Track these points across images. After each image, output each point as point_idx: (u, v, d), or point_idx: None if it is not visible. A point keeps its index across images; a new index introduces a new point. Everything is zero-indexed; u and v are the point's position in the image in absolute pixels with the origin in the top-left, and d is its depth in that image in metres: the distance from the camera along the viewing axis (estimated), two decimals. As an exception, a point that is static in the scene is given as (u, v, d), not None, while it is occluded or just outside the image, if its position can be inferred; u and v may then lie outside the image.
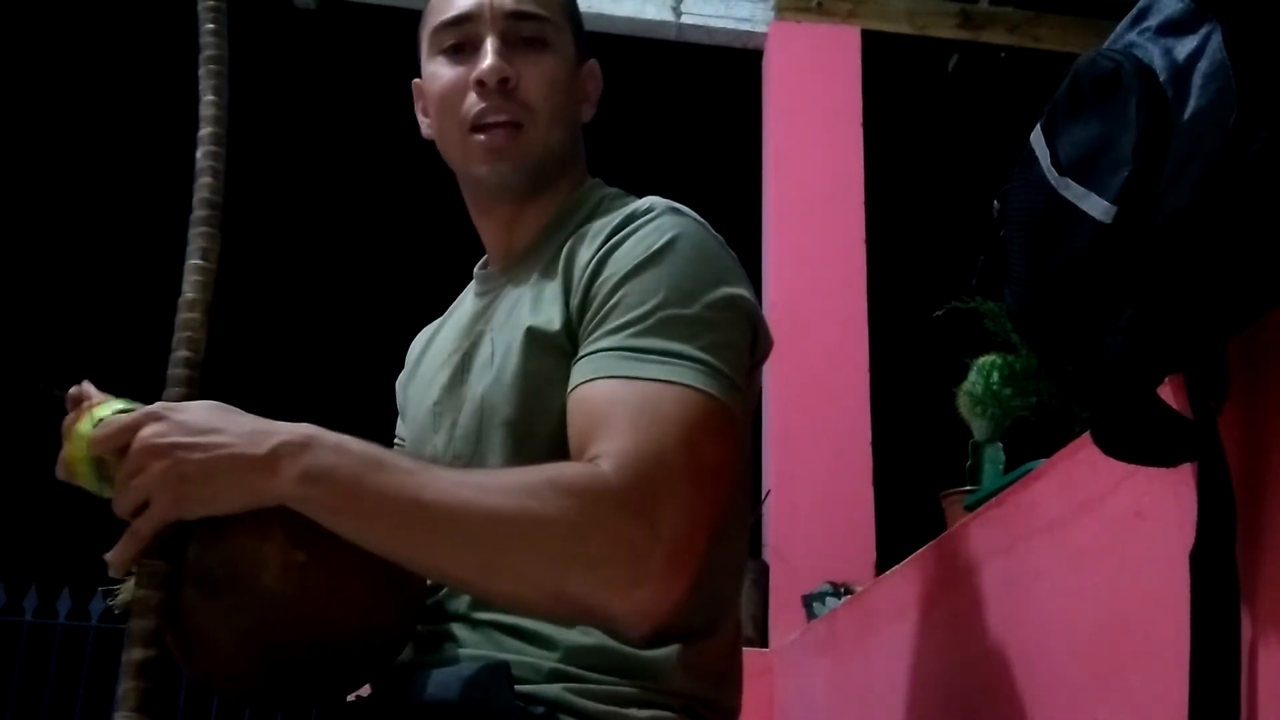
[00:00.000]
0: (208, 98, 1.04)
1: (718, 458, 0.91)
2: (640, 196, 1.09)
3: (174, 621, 0.86)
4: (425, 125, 1.17)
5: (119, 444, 0.87)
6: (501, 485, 0.86)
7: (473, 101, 1.08)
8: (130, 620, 0.84)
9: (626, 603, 0.84)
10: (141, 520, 0.85)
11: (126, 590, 0.89)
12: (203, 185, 1.00)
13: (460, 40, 1.10)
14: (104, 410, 0.96)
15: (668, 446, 0.87)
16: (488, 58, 1.07)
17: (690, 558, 0.86)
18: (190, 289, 0.96)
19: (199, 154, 1.02)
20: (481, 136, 1.08)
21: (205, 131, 1.03)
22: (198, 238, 0.98)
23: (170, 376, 0.93)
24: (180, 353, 0.94)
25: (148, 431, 0.86)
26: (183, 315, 0.95)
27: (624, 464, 0.85)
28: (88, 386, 1.01)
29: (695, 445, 0.88)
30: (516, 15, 1.09)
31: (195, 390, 0.93)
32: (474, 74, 1.07)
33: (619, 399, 0.90)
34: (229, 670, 0.89)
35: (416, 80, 1.18)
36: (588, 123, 1.20)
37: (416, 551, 0.86)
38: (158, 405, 0.90)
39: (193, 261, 0.97)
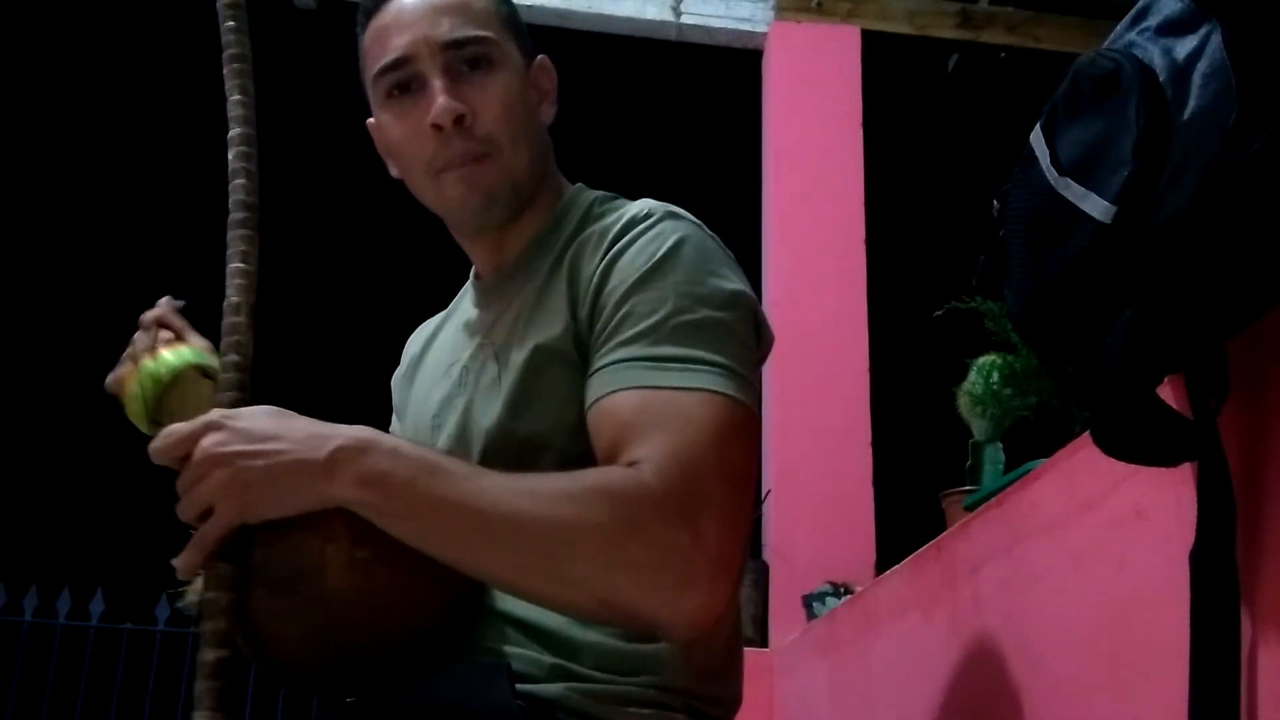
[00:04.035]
0: (234, 97, 1.03)
1: (745, 459, 0.92)
2: (639, 197, 1.09)
3: (243, 621, 0.88)
4: (391, 167, 1.16)
5: (181, 453, 0.89)
6: (551, 491, 0.87)
7: (434, 147, 1.06)
8: (202, 622, 0.86)
9: (673, 608, 0.85)
10: (207, 526, 0.87)
11: (193, 592, 0.91)
12: (238, 187, 1.00)
13: (405, 82, 1.07)
14: (174, 358, 0.99)
15: (701, 452, 0.88)
16: (438, 98, 1.04)
17: (733, 561, 0.88)
18: (234, 292, 0.97)
19: (231, 155, 1.01)
20: (450, 174, 1.07)
21: (235, 132, 1.02)
22: (237, 240, 0.98)
23: (221, 381, 0.95)
24: (229, 357, 0.95)
25: (209, 441, 0.88)
26: (228, 319, 0.96)
27: (664, 470, 0.86)
28: (167, 310, 1.05)
29: (726, 449, 0.89)
30: (455, 44, 1.06)
31: (247, 393, 0.94)
32: (428, 118, 1.05)
33: (645, 408, 0.90)
34: (298, 665, 0.92)
35: (370, 121, 1.15)
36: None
37: (469, 555, 0.88)
38: (216, 413, 0.91)
39: (234, 265, 0.98)
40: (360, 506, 0.87)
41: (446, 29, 1.07)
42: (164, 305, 1.06)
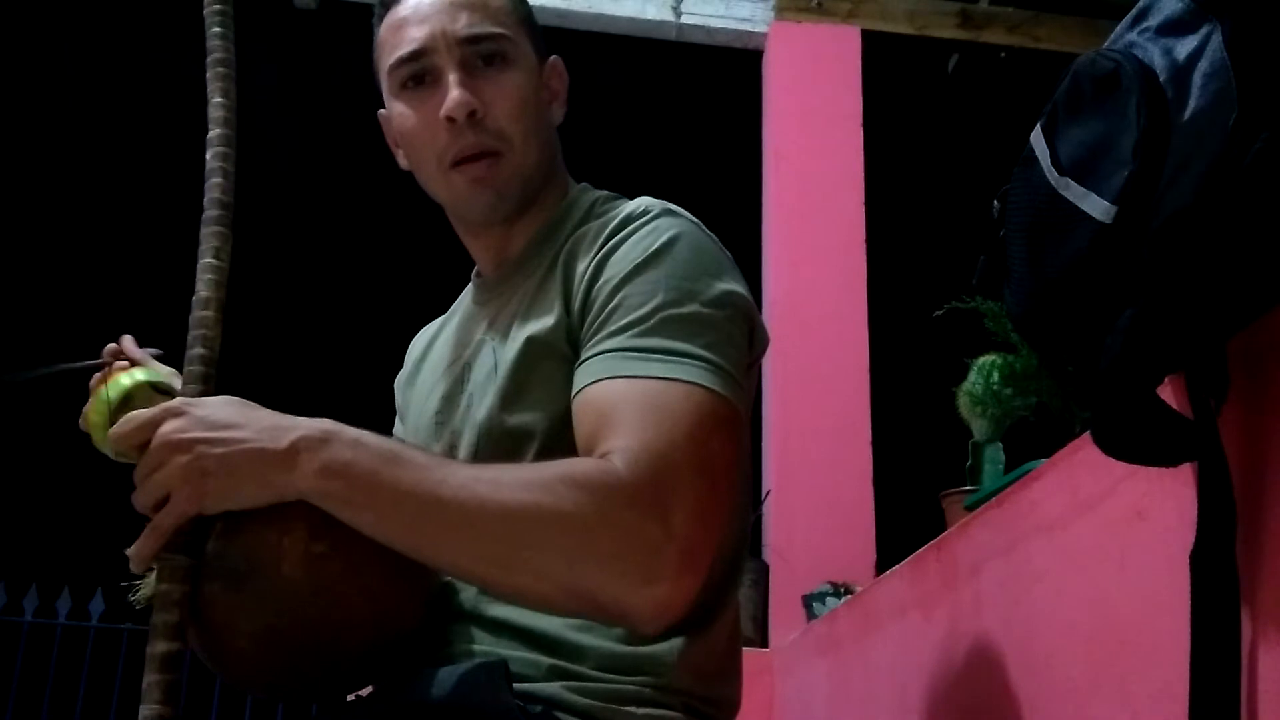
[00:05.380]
0: (216, 100, 1.06)
1: (725, 453, 0.92)
2: (635, 197, 1.09)
3: (196, 615, 0.87)
4: (400, 158, 1.17)
5: (140, 440, 0.88)
6: (516, 480, 0.86)
7: (445, 139, 1.07)
8: (153, 614, 0.85)
9: (640, 599, 0.84)
10: (163, 515, 0.86)
11: (147, 585, 0.90)
12: (214, 186, 1.02)
13: (420, 75, 1.08)
14: (128, 379, 0.99)
15: (677, 443, 0.87)
16: (452, 91, 1.05)
17: (703, 555, 0.87)
18: (204, 288, 0.98)
19: (209, 155, 1.04)
20: (461, 170, 1.08)
21: (214, 133, 1.04)
22: (210, 237, 1.00)
23: (186, 374, 0.95)
24: (196, 350, 0.95)
25: (168, 427, 0.87)
26: (197, 313, 0.97)
27: (635, 460, 0.86)
28: (127, 343, 1.04)
29: (703, 442, 0.89)
30: (472, 39, 1.07)
31: (211, 387, 0.94)
32: (441, 110, 1.05)
33: (625, 398, 0.90)
34: (251, 662, 0.89)
35: (382, 112, 1.16)
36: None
37: (433, 546, 0.87)
38: (178, 401, 0.91)
39: (206, 260, 0.99)
40: (321, 497, 0.86)
41: (464, 24, 1.08)
42: (124, 340, 1.06)
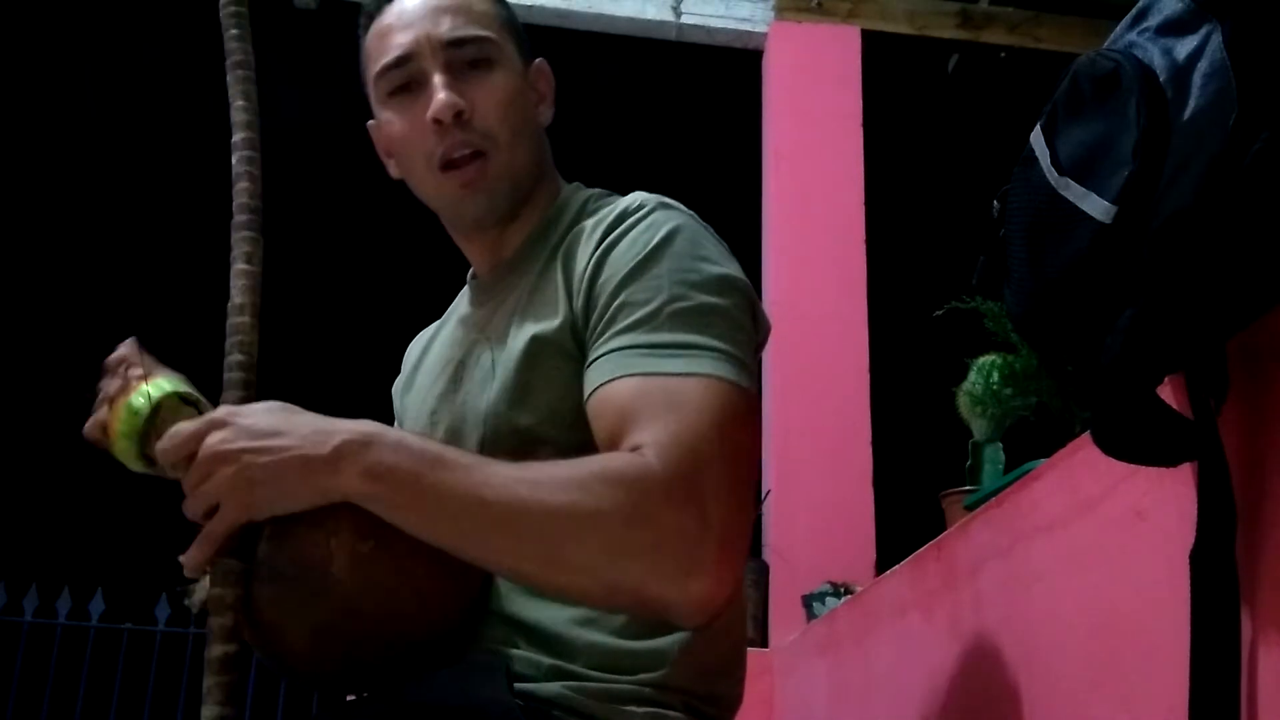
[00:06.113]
0: (238, 103, 1.05)
1: (746, 442, 0.93)
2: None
3: (250, 616, 0.90)
4: (391, 167, 1.17)
5: (187, 453, 0.90)
6: (554, 480, 0.87)
7: (433, 141, 1.07)
8: (209, 618, 0.88)
9: (682, 592, 0.85)
10: (214, 523, 0.88)
11: (200, 590, 0.93)
12: (241, 190, 1.02)
13: (406, 80, 1.09)
14: (155, 390, 0.98)
15: (703, 435, 0.88)
16: (438, 93, 1.06)
17: (739, 544, 0.88)
18: (239, 293, 0.98)
19: (234, 159, 1.03)
20: (450, 174, 1.08)
21: (239, 137, 1.04)
22: (241, 242, 1.00)
23: (226, 380, 0.96)
24: (234, 356, 0.96)
25: (214, 439, 0.89)
26: (233, 320, 0.97)
27: (667, 453, 0.86)
28: (132, 351, 1.02)
29: (727, 432, 0.89)
30: (456, 43, 1.08)
31: (252, 392, 0.95)
32: (428, 113, 1.06)
33: (645, 394, 0.91)
34: (306, 659, 0.92)
35: (371, 122, 1.16)
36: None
37: (475, 545, 0.88)
38: (221, 411, 0.93)
39: (239, 266, 0.99)
40: (366, 500, 0.87)
41: (448, 28, 1.08)
42: (128, 346, 1.04)
